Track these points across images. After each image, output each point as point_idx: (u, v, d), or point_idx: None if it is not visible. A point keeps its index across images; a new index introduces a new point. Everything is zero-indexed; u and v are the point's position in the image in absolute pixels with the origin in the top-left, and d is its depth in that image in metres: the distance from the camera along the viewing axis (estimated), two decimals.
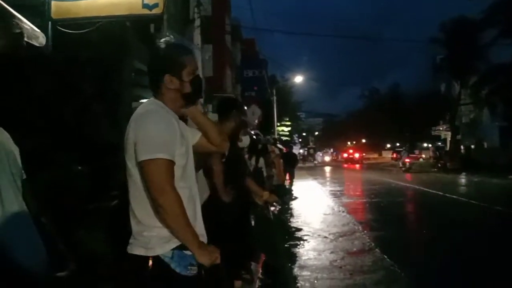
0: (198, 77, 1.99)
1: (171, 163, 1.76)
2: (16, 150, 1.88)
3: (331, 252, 6.62)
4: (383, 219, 9.91)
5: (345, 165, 49.12)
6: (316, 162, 56.18)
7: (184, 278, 1.75)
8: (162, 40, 1.95)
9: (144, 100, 1.93)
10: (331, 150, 69.36)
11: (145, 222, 1.79)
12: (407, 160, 33.93)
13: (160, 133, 1.76)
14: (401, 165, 33.49)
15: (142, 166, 1.73)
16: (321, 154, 62.79)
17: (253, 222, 4.69)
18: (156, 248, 1.75)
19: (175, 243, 1.76)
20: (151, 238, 1.77)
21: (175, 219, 1.72)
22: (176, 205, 1.71)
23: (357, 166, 46.44)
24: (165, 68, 1.89)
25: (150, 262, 1.75)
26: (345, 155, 58.56)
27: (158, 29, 6.91)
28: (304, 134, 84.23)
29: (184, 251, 1.77)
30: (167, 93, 1.90)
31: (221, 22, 17.50)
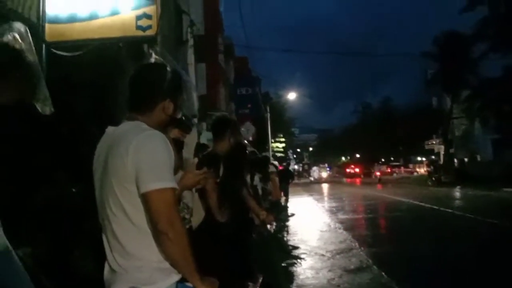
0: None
1: (175, 192, 1.67)
2: None
3: (329, 271, 6.57)
4: (379, 235, 9.89)
5: (349, 180, 48.31)
6: (312, 178, 53.59)
7: None
8: (162, 62, 1.94)
9: (130, 123, 1.77)
10: (326, 165, 65.54)
11: (141, 255, 1.65)
12: (377, 173, 46.78)
13: (167, 160, 1.66)
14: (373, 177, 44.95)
15: (148, 196, 1.58)
16: (317, 170, 58.65)
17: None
18: (159, 283, 1.64)
19: (178, 276, 1.68)
20: (152, 273, 1.64)
21: (182, 252, 1.62)
22: (184, 237, 1.62)
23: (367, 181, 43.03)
24: (168, 93, 1.81)
25: None
26: (348, 170, 58.29)
27: (152, 49, 6.94)
28: (298, 150, 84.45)
29: (186, 284, 1.70)
30: (158, 116, 1.81)
31: (214, 41, 17.66)
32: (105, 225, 1.74)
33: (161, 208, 1.58)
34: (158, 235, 1.60)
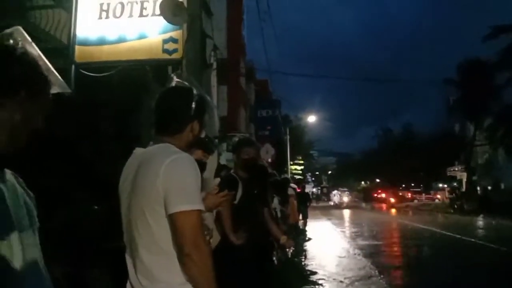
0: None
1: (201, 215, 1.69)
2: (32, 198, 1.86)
3: None
4: (400, 263, 9.66)
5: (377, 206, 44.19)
6: (332, 203, 49.52)
7: None
8: (186, 85, 1.95)
9: (159, 145, 1.80)
10: (346, 189, 60.20)
11: (165, 278, 1.65)
12: (391, 199, 48.36)
13: (195, 183, 1.67)
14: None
15: (175, 217, 1.60)
16: (338, 194, 53.15)
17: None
18: None
19: None
20: None
21: (205, 274, 1.63)
22: (208, 260, 1.64)
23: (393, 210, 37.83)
24: (197, 114, 1.85)
25: None
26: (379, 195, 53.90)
27: (176, 71, 7.10)
28: (317, 173, 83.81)
29: None
30: (187, 137, 1.84)
31: (236, 64, 17.92)
32: (131, 245, 1.74)
33: (187, 230, 1.60)
34: (182, 256, 1.61)
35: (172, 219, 1.61)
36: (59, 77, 1.47)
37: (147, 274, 1.68)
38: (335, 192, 55.43)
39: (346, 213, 33.60)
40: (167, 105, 1.87)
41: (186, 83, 1.98)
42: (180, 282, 1.65)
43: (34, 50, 1.34)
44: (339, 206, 44.63)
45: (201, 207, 1.66)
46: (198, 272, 1.62)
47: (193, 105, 1.85)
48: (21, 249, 1.40)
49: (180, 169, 1.65)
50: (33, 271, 1.55)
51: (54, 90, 1.41)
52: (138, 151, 1.85)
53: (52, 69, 1.39)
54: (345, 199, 49.97)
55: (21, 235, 1.39)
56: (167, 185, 1.62)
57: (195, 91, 1.91)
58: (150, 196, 1.65)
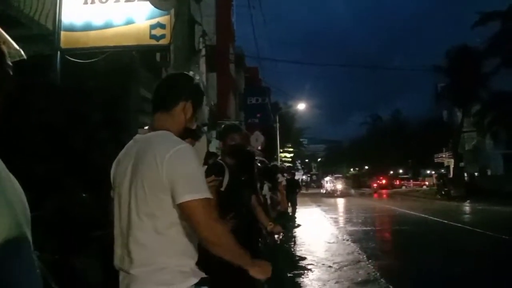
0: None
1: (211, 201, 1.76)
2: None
3: (336, 282, 6.54)
4: (387, 248, 9.81)
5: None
6: (323, 190, 43.16)
7: None
8: (186, 73, 2.06)
9: (157, 133, 1.86)
10: (341, 175, 53.36)
11: (162, 259, 1.72)
12: (374, 184, 51.37)
13: (200, 171, 1.78)
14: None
15: (186, 206, 1.66)
16: (330, 180, 45.65)
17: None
18: (178, 284, 1.71)
19: (196, 279, 1.75)
20: (174, 275, 1.72)
21: (229, 250, 1.74)
22: (226, 236, 1.72)
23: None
24: (190, 94, 1.93)
25: None
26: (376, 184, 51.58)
27: (164, 58, 7.04)
28: (306, 160, 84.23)
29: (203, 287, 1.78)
30: (179, 116, 1.89)
31: (225, 51, 17.79)
32: (124, 230, 1.79)
33: (198, 216, 1.67)
34: (201, 240, 1.71)
35: (183, 208, 1.68)
36: (15, 45, 1.44)
37: (145, 256, 1.73)
38: (327, 178, 47.72)
39: (337, 200, 32.05)
40: (165, 83, 2.04)
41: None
42: (177, 263, 1.73)
43: None
44: (332, 194, 39.69)
45: (208, 195, 1.72)
46: (221, 250, 1.72)
47: (190, 85, 1.97)
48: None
49: (184, 159, 1.72)
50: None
51: (9, 60, 1.38)
52: (137, 137, 1.91)
53: (8, 38, 1.36)
54: (339, 186, 42.80)
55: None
56: (173, 175, 1.68)
57: (194, 79, 2.01)
58: (153, 184, 1.70)
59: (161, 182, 1.68)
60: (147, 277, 1.72)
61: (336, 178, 46.30)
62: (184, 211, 1.68)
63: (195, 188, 1.68)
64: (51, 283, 1.98)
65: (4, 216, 1.27)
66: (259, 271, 1.87)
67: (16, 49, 1.48)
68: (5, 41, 1.33)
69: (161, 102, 1.92)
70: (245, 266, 1.81)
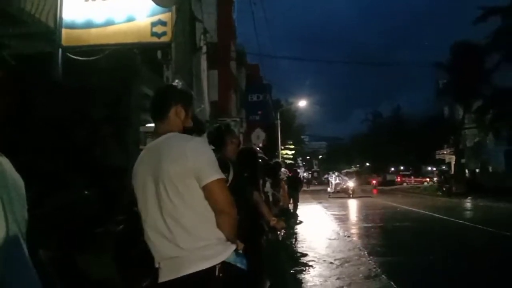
0: (196, 117, 2.28)
1: None
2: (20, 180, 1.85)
3: (337, 278, 6.55)
4: (388, 244, 9.82)
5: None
6: (331, 190, 32.06)
7: (245, 272, 2.08)
8: (171, 83, 2.29)
9: (167, 135, 2.12)
10: (350, 170, 43.39)
11: (205, 236, 1.98)
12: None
13: (215, 158, 2.10)
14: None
15: (212, 185, 1.98)
16: (339, 178, 34.20)
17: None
18: (221, 255, 1.97)
19: (234, 245, 2.05)
20: (215, 248, 1.98)
21: (235, 224, 2.08)
22: (235, 208, 2.06)
23: None
24: (178, 98, 2.21)
25: (217, 270, 1.94)
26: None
27: (166, 55, 7.05)
28: (308, 157, 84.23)
29: (238, 251, 2.08)
30: (174, 120, 2.16)
31: (226, 48, 17.79)
32: (157, 220, 2.00)
33: (223, 193, 2.02)
34: (222, 215, 2.01)
35: (210, 187, 1.98)
36: None
37: (186, 238, 1.97)
38: (334, 174, 35.95)
39: (352, 203, 25.12)
40: (156, 96, 2.34)
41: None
42: (216, 237, 2.00)
43: None
44: (342, 194, 29.97)
45: (223, 175, 2.08)
46: (232, 225, 2.05)
47: (175, 91, 2.33)
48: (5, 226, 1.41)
49: (203, 148, 2.08)
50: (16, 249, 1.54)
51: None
52: (150, 145, 2.18)
53: None
54: (351, 184, 31.12)
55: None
56: (197, 162, 1.98)
57: (177, 86, 2.23)
58: (180, 173, 1.97)
59: (189, 170, 1.97)
60: (192, 256, 1.95)
61: (347, 174, 35.48)
62: (209, 189, 1.98)
63: (217, 171, 2.03)
64: (54, 280, 2.01)
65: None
66: (238, 244, 2.11)
67: None
68: None
69: (156, 113, 2.19)
70: (235, 242, 2.08)
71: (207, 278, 1.92)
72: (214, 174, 2.00)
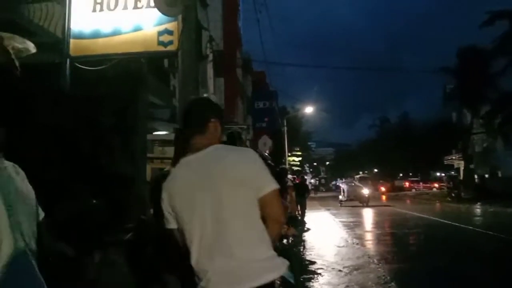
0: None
1: None
2: (31, 192, 1.83)
3: (346, 286, 6.50)
4: (397, 251, 9.73)
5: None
6: (342, 197, 28.20)
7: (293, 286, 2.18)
8: (207, 97, 2.34)
9: (214, 147, 2.07)
10: (365, 175, 43.03)
11: (264, 249, 1.93)
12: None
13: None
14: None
15: (271, 195, 1.94)
16: (355, 182, 30.78)
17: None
18: (280, 269, 1.94)
19: (287, 261, 1.99)
20: (275, 261, 1.93)
21: (280, 232, 2.28)
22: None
23: None
24: (217, 113, 2.15)
25: (278, 284, 2.02)
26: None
27: (172, 64, 7.09)
28: (315, 164, 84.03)
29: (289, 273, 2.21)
30: (213, 134, 2.08)
31: (232, 56, 17.87)
32: (218, 228, 1.90)
33: (279, 203, 2.02)
34: (276, 223, 2.00)
35: (269, 197, 1.94)
36: (24, 40, 1.48)
37: (245, 248, 1.90)
38: (347, 180, 33.02)
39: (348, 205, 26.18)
40: (195, 108, 2.20)
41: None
42: (272, 250, 1.95)
43: None
44: (356, 203, 26.24)
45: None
46: (279, 233, 2.19)
47: (214, 105, 2.22)
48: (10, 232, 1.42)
49: (259, 159, 2.04)
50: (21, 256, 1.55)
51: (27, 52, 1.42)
52: (189, 158, 2.06)
53: (14, 36, 1.39)
54: (365, 191, 26.98)
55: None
56: (252, 172, 1.97)
57: (215, 101, 2.29)
58: (235, 183, 1.92)
59: (244, 179, 1.93)
60: (258, 267, 1.88)
61: (361, 180, 31.81)
62: (268, 198, 1.95)
63: (274, 180, 2.00)
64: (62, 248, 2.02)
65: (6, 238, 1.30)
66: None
67: (24, 43, 1.51)
68: (11, 37, 1.36)
69: (196, 126, 2.09)
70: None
71: None
72: (272, 184, 1.97)
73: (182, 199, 1.99)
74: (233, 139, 3.89)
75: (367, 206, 25.06)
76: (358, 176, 35.85)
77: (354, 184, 30.17)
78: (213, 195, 1.91)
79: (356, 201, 26.44)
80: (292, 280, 1.96)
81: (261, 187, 1.94)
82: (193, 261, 1.92)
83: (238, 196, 1.91)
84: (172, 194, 2.03)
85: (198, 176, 1.97)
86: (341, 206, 26.53)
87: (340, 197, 28.75)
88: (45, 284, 1.70)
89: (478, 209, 22.54)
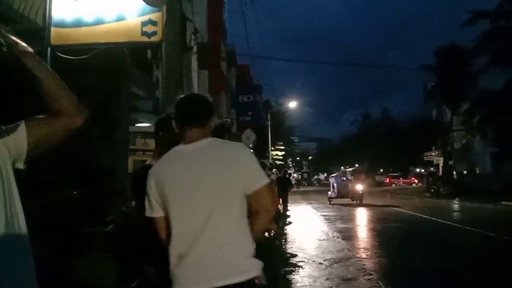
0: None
1: None
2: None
3: (326, 279, 6.58)
4: (377, 245, 9.88)
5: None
6: (332, 194, 23.98)
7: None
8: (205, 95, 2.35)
9: (208, 140, 2.15)
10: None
11: (248, 246, 2.01)
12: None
13: None
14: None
15: (263, 189, 2.03)
16: (347, 177, 24.83)
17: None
18: (259, 268, 2.00)
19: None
20: (254, 260, 1.99)
21: (270, 220, 2.28)
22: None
23: None
24: (213, 109, 2.27)
25: (257, 282, 1.95)
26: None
27: (155, 55, 7.01)
28: (298, 158, 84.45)
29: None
30: (208, 130, 2.17)
31: (217, 48, 17.74)
32: (203, 227, 1.93)
33: (270, 195, 2.12)
34: (263, 212, 2.05)
35: (261, 191, 2.02)
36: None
37: (230, 238, 1.95)
38: (337, 173, 27.92)
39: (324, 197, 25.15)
40: (200, 104, 2.22)
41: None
42: (250, 244, 2.02)
43: None
44: (348, 200, 23.04)
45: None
46: (269, 220, 2.18)
47: (211, 105, 2.28)
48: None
49: (250, 154, 2.16)
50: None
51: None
52: (183, 148, 2.11)
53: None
54: (359, 187, 22.95)
55: None
56: (247, 167, 2.05)
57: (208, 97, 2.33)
58: (235, 176, 2.01)
59: (240, 175, 2.01)
60: (243, 263, 1.95)
61: (354, 173, 25.15)
62: (259, 192, 2.02)
63: (265, 175, 2.12)
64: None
65: None
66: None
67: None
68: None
69: (199, 121, 2.14)
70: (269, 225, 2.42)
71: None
72: (264, 178, 2.07)
73: (175, 188, 2.01)
74: (222, 131, 3.87)
75: (361, 204, 21.82)
76: (350, 169, 29.34)
77: (346, 178, 24.74)
78: (207, 187, 1.97)
79: (347, 198, 23.01)
80: (264, 282, 1.97)
81: (255, 182, 2.02)
82: (173, 249, 1.96)
83: (231, 189, 1.98)
84: (162, 181, 2.04)
85: (194, 167, 2.02)
86: (330, 203, 23.05)
87: (330, 193, 24.45)
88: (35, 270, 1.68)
89: (456, 204, 23.00)
